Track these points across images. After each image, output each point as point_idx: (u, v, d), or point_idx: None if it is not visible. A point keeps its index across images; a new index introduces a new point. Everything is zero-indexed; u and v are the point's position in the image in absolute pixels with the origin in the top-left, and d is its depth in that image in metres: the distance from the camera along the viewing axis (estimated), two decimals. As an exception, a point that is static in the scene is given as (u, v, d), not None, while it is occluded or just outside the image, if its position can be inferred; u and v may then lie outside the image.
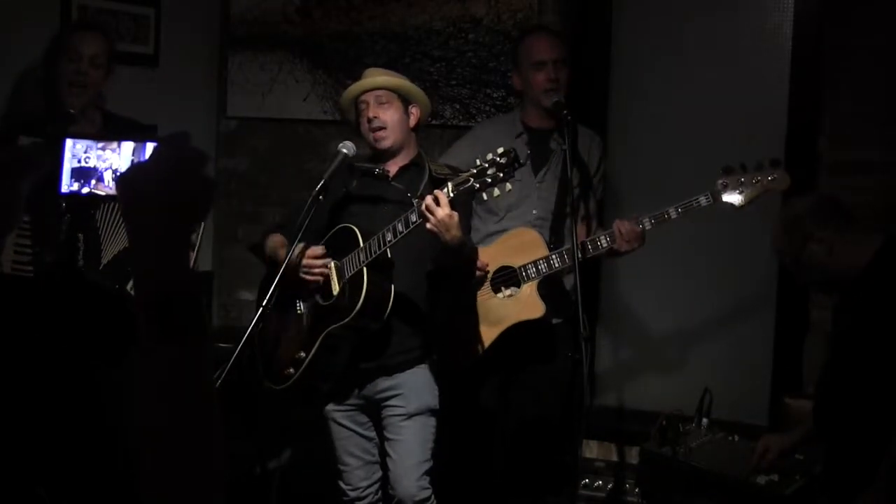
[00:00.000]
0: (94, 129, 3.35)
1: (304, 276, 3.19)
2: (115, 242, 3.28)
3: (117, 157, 2.47)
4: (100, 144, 2.46)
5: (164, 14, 4.49)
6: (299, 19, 4.69)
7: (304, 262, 3.17)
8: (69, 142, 2.44)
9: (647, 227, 3.35)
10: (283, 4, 4.70)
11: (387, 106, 3.26)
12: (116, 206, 3.28)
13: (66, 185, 2.45)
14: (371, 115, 3.25)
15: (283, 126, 4.76)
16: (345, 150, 3.18)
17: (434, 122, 4.41)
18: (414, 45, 4.46)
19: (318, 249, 3.20)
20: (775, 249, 2.93)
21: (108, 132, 3.33)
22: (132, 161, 2.45)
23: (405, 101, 3.31)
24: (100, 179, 2.45)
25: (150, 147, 2.42)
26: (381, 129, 3.25)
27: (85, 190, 2.46)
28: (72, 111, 3.25)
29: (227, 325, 4.84)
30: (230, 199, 4.90)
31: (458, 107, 4.40)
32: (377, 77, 3.32)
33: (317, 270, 3.19)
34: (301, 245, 3.13)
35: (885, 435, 2.51)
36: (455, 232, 2.96)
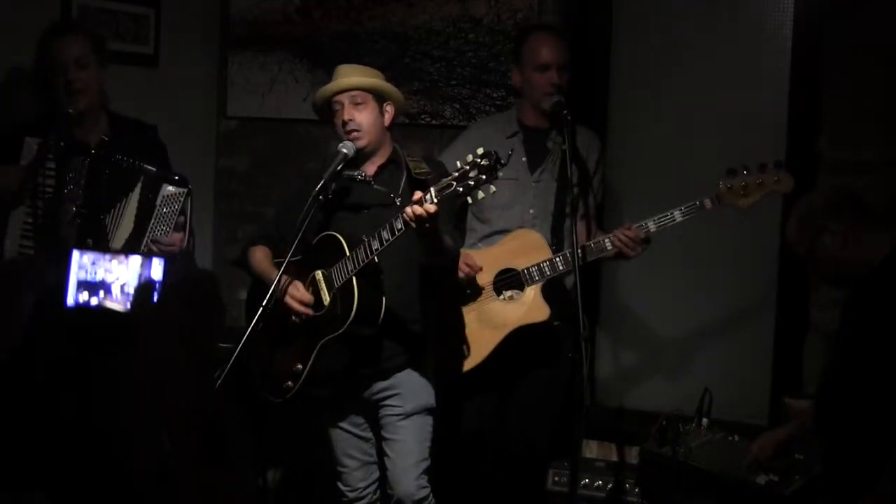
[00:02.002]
0: (99, 131, 3.34)
1: (286, 303, 3.19)
2: (119, 243, 3.29)
3: (125, 270, 2.44)
4: (107, 256, 2.44)
5: (164, 14, 4.49)
6: (299, 19, 4.69)
7: (287, 299, 3.16)
8: (76, 253, 2.41)
9: (651, 230, 3.35)
10: (283, 4, 4.70)
11: (362, 107, 3.21)
12: (122, 210, 3.28)
13: (73, 297, 2.41)
14: (346, 117, 3.19)
15: (283, 126, 4.75)
16: (345, 150, 3.17)
17: (434, 122, 4.42)
18: (414, 45, 4.46)
19: (301, 291, 3.18)
20: (789, 242, 2.92)
21: (112, 142, 3.33)
22: (140, 275, 2.42)
23: (380, 99, 3.26)
24: (108, 292, 2.43)
25: (156, 264, 2.39)
26: (356, 130, 3.21)
27: (94, 301, 2.42)
28: (71, 111, 3.25)
29: (226, 326, 4.83)
30: (230, 199, 4.90)
31: (457, 107, 4.40)
32: (351, 77, 3.25)
33: (297, 308, 3.18)
34: (286, 279, 3.14)
35: (887, 436, 2.50)
36: (435, 231, 2.96)
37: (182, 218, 3.35)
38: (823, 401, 2.81)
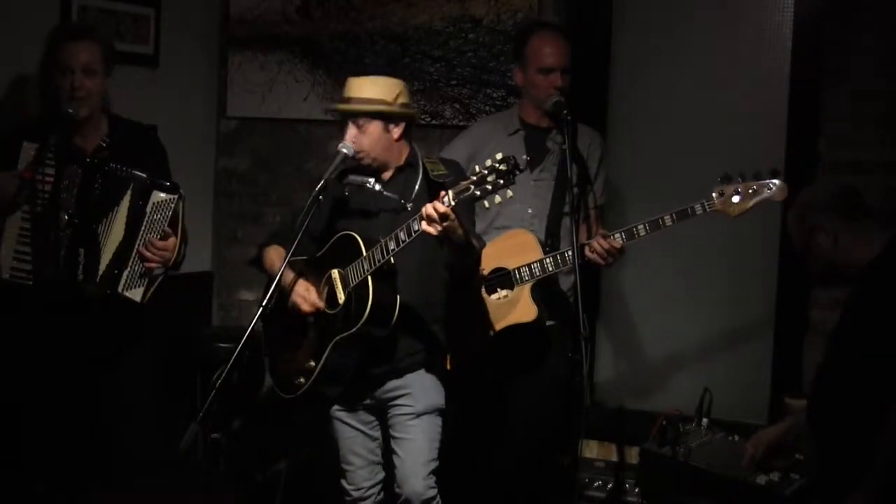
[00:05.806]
0: (99, 136, 3.32)
1: (292, 307, 3.21)
2: (109, 251, 3.27)
3: None
4: None
5: (164, 14, 4.49)
6: (299, 19, 4.69)
7: (294, 298, 3.20)
8: None
9: (641, 234, 3.36)
10: (283, 4, 4.71)
11: (364, 129, 3.21)
12: (114, 217, 3.27)
13: None
14: (349, 140, 3.21)
15: (283, 126, 4.76)
16: (345, 150, 3.18)
17: (434, 121, 4.42)
18: (414, 45, 4.46)
19: (307, 289, 3.20)
20: (789, 233, 2.92)
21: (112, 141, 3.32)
22: None
23: (387, 118, 3.23)
24: None
25: None
26: (360, 150, 3.22)
27: None
28: (70, 111, 3.23)
29: (227, 326, 4.84)
30: (230, 199, 4.90)
31: (457, 107, 4.41)
32: (357, 105, 3.23)
33: (305, 309, 3.20)
34: (293, 275, 3.16)
35: (876, 434, 2.50)
36: (459, 231, 2.97)
37: (174, 224, 3.33)
38: (815, 398, 2.81)
